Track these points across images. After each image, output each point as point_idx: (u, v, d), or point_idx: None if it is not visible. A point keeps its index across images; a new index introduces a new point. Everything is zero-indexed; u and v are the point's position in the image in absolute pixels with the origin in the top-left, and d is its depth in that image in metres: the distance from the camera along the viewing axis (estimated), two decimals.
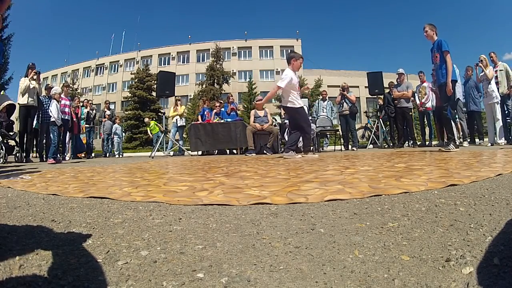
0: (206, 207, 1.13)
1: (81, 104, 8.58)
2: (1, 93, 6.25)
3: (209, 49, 28.86)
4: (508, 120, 6.09)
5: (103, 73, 34.05)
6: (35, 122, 5.94)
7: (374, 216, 0.93)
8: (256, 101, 7.24)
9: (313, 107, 7.68)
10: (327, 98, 7.97)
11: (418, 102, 7.27)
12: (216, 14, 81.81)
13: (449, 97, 3.99)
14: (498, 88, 5.78)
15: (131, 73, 26.72)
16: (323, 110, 7.57)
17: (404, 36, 79.52)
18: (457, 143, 4.19)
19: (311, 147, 4.77)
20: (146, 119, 8.04)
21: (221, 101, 8.47)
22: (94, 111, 8.70)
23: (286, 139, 6.41)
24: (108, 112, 9.30)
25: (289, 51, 4.00)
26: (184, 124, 8.65)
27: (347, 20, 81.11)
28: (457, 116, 6.63)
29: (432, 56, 4.17)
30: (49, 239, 0.79)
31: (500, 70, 5.83)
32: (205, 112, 7.77)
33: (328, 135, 7.90)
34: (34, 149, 7.01)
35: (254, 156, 5.24)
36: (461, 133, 6.90)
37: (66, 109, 5.93)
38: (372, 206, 1.04)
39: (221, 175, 2.16)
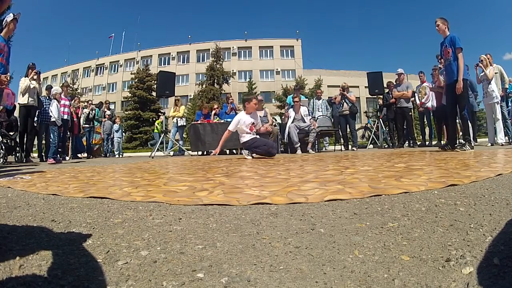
0: (206, 207, 1.13)
1: (83, 105, 8.63)
2: None
3: (209, 49, 28.83)
4: (509, 120, 6.09)
5: (103, 73, 34.03)
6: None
7: (374, 216, 0.93)
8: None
9: (308, 106, 7.68)
10: (321, 97, 7.99)
11: (418, 102, 7.27)
12: (216, 14, 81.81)
13: (458, 96, 3.88)
14: None
15: (131, 73, 26.69)
16: (318, 109, 7.58)
17: (404, 36, 79.52)
18: (457, 143, 4.16)
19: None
20: (162, 117, 8.08)
21: (216, 106, 8.47)
22: (93, 111, 8.70)
23: (286, 139, 6.44)
24: (108, 112, 9.30)
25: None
26: (184, 124, 8.66)
27: (347, 20, 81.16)
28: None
29: (441, 50, 4.08)
30: (49, 239, 0.79)
31: (495, 73, 5.85)
32: (200, 118, 7.80)
33: (329, 135, 7.90)
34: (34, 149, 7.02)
35: (254, 156, 5.24)
36: (460, 133, 6.89)
37: (66, 109, 5.93)
38: (372, 206, 1.04)
39: (221, 175, 2.16)
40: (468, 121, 4.09)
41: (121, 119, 10.59)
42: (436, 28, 4.03)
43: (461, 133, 7.08)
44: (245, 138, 4.38)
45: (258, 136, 4.52)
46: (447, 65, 4.03)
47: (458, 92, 3.82)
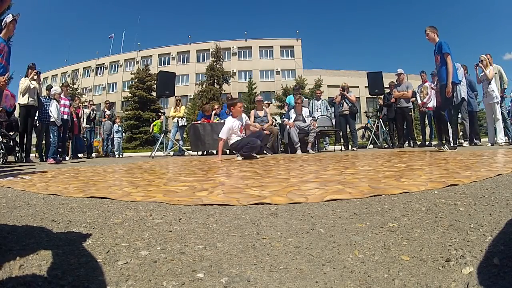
0: (206, 207, 1.13)
1: (84, 105, 8.64)
2: None
3: (209, 49, 28.80)
4: (508, 121, 6.08)
5: (103, 73, 34.01)
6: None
7: (374, 216, 0.93)
8: (256, 100, 7.25)
9: (308, 106, 7.68)
10: (321, 97, 7.98)
11: (419, 102, 7.26)
12: (216, 14, 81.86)
13: (448, 99, 4.02)
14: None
15: (131, 73, 26.67)
16: (317, 110, 7.58)
17: (405, 36, 79.52)
18: (457, 144, 4.20)
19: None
20: (162, 117, 8.13)
21: (217, 106, 8.45)
22: (94, 112, 8.72)
23: (286, 139, 6.44)
24: (108, 112, 9.30)
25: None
26: (185, 124, 8.65)
27: (347, 20, 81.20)
28: (460, 116, 6.60)
29: (435, 58, 4.19)
30: (49, 239, 0.79)
31: (495, 73, 5.85)
32: (202, 119, 7.79)
33: (331, 135, 7.90)
34: (34, 149, 7.02)
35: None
36: (461, 133, 6.88)
37: (66, 109, 5.93)
38: (372, 206, 1.04)
39: (221, 175, 2.16)
40: (448, 122, 4.17)
41: (121, 119, 10.55)
42: (426, 37, 4.16)
43: (461, 133, 7.12)
44: (233, 140, 4.49)
45: (244, 136, 4.63)
46: (438, 70, 4.19)
47: (447, 96, 3.95)
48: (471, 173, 1.66)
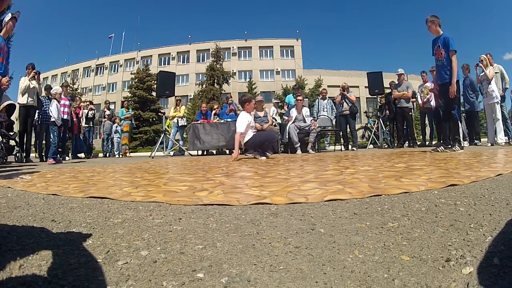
0: (206, 207, 1.13)
1: (84, 105, 8.66)
2: None
3: (209, 49, 28.81)
4: (508, 121, 6.09)
5: (103, 73, 34.01)
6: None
7: (374, 216, 0.93)
8: (257, 100, 7.24)
9: (313, 106, 7.67)
10: (327, 96, 7.94)
11: (420, 101, 7.25)
12: (216, 14, 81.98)
13: (454, 98, 3.84)
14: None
15: (131, 73, 26.69)
16: (323, 109, 7.54)
17: (404, 36, 79.55)
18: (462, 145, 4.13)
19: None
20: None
21: (216, 106, 8.45)
22: (93, 111, 8.73)
23: (286, 139, 6.45)
24: (108, 112, 9.29)
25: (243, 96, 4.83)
26: (185, 124, 8.66)
27: (347, 20, 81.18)
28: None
29: (433, 48, 3.99)
30: (49, 239, 0.79)
31: (496, 73, 5.84)
32: (201, 118, 7.79)
33: (329, 135, 7.90)
34: (34, 149, 7.02)
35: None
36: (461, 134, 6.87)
37: (66, 109, 5.93)
38: (372, 206, 1.04)
39: (221, 175, 2.15)
40: (459, 121, 4.06)
41: (121, 119, 10.52)
42: (429, 29, 3.94)
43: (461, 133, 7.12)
44: (248, 136, 4.34)
45: (255, 132, 4.51)
46: (439, 65, 3.95)
47: (451, 96, 3.79)
48: (471, 173, 1.66)
